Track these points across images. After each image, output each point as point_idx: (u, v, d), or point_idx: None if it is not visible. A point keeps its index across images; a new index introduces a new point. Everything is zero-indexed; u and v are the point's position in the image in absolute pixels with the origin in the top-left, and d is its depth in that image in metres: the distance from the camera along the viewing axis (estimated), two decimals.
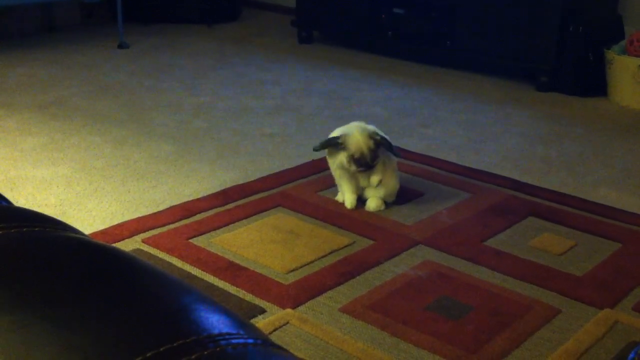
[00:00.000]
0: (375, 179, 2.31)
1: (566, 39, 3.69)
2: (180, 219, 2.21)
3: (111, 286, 0.47)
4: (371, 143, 2.24)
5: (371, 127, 2.30)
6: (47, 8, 4.81)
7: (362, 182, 2.34)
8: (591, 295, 1.88)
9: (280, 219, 2.25)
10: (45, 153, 2.74)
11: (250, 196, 2.40)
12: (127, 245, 2.04)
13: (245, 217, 2.25)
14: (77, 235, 0.53)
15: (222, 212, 2.28)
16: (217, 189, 2.46)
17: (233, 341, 0.42)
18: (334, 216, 2.29)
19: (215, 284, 1.87)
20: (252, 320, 1.70)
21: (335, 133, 2.34)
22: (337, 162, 2.31)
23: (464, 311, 1.79)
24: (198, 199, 2.36)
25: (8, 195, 2.32)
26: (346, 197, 2.36)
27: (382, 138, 2.27)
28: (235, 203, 2.35)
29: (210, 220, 2.22)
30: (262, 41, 4.81)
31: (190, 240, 2.09)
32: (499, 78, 4.04)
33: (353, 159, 2.24)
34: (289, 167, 2.68)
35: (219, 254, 2.03)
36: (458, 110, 3.48)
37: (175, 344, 0.40)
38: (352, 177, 2.33)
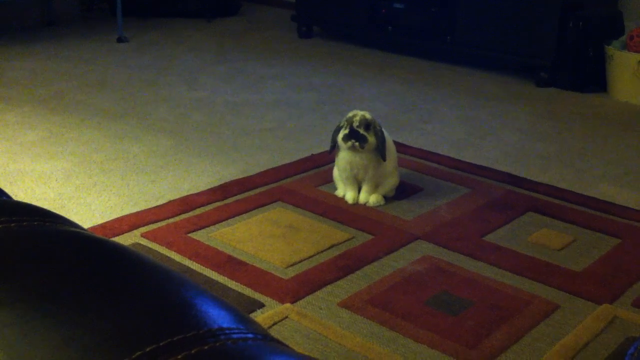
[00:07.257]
0: (368, 185, 2.34)
1: (566, 34, 3.68)
2: (180, 213, 2.21)
3: (110, 280, 0.47)
4: (368, 116, 2.29)
5: None
6: (47, 2, 4.80)
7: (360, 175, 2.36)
8: (590, 291, 1.88)
9: (279, 214, 2.25)
10: (44, 147, 2.74)
11: (249, 191, 2.40)
12: (126, 239, 2.04)
13: (245, 212, 2.25)
14: (76, 230, 0.53)
15: (221, 206, 2.28)
16: (217, 183, 2.46)
17: (233, 336, 0.42)
18: (333, 211, 2.29)
19: (214, 278, 1.87)
20: (251, 315, 1.70)
21: None
22: (338, 161, 2.34)
23: (463, 306, 1.79)
24: (197, 194, 2.36)
25: (7, 189, 2.32)
26: (347, 192, 2.36)
27: (381, 130, 2.30)
28: (235, 197, 2.35)
29: (209, 214, 2.22)
30: (262, 36, 4.81)
31: (189, 235, 2.09)
32: (499, 73, 4.04)
33: (347, 121, 2.28)
34: (289, 161, 2.68)
35: (218, 248, 2.03)
36: (458, 105, 3.48)
37: (175, 338, 0.40)
38: (353, 175, 2.35)
